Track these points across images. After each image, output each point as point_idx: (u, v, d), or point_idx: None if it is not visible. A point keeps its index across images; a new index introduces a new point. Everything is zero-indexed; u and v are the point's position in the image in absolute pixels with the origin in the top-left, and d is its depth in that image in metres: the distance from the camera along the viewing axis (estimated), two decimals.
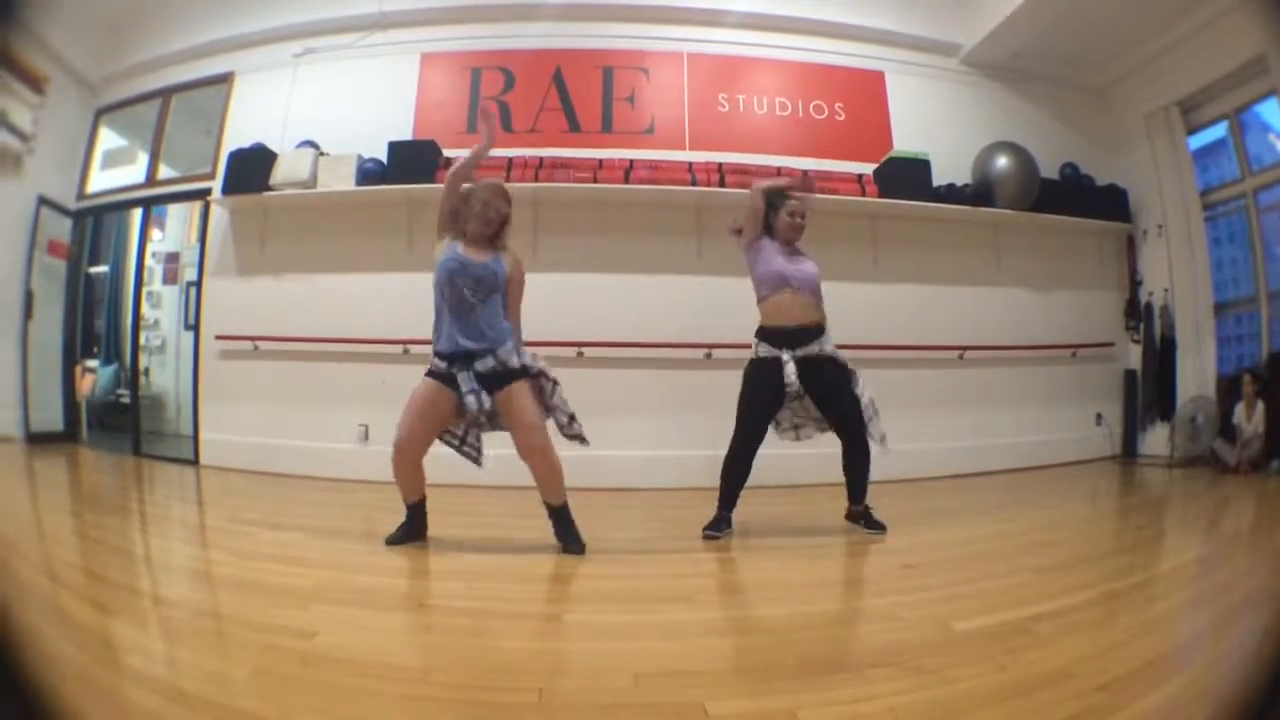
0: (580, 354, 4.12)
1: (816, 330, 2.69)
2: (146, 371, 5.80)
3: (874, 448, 2.73)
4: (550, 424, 2.43)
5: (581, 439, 2.44)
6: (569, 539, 2.38)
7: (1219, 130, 4.91)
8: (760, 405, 2.68)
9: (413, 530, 2.46)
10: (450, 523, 2.65)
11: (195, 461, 4.48)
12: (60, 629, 1.44)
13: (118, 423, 5.32)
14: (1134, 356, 5.06)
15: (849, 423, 2.68)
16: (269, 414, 4.37)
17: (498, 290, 2.41)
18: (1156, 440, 4.86)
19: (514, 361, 2.37)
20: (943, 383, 4.56)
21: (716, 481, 2.72)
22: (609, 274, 4.29)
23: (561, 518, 2.41)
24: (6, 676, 0.77)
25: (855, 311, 4.40)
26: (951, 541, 2.60)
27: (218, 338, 4.50)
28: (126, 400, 5.41)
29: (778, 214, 2.78)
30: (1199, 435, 4.53)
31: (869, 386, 2.73)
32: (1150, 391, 4.93)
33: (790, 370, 2.60)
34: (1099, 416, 4.97)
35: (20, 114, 4.51)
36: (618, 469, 3.96)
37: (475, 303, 2.37)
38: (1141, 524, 3.19)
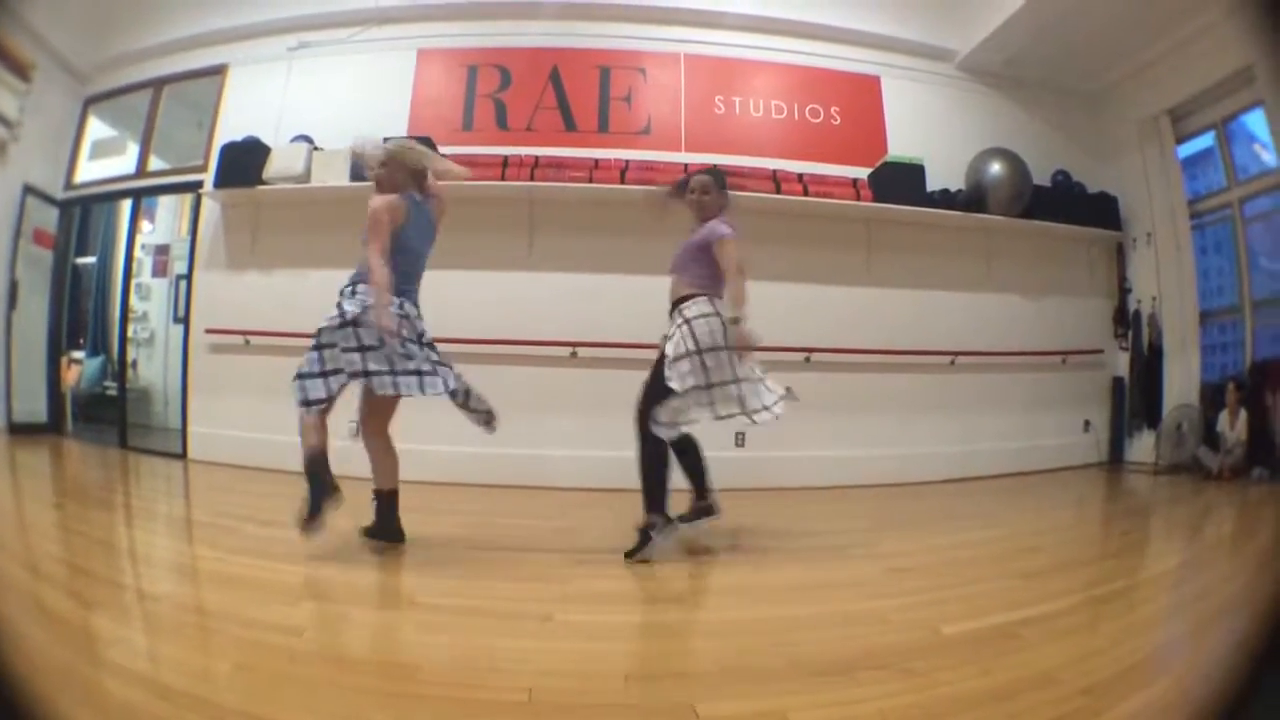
0: (574, 354, 4.12)
1: (676, 306, 2.63)
2: (134, 364, 5.74)
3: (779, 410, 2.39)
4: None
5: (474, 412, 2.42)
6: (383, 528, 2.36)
7: (1207, 139, 4.96)
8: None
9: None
10: (441, 520, 2.64)
11: (183, 455, 4.44)
12: (42, 622, 1.42)
13: (104, 415, 5.26)
14: (1122, 364, 5.11)
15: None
16: (259, 408, 4.32)
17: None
18: (1143, 447, 4.91)
19: (346, 307, 2.30)
20: (934, 387, 4.58)
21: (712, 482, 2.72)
22: (604, 274, 4.28)
23: (380, 505, 2.39)
24: None
25: (847, 315, 4.43)
26: (940, 546, 2.62)
27: (208, 331, 4.46)
28: (113, 392, 5.35)
29: None
30: (1184, 443, 4.58)
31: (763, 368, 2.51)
32: (1137, 399, 4.98)
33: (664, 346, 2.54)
34: (1087, 423, 5.01)
35: (5, 100, 4.44)
36: (612, 469, 3.94)
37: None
38: (1126, 530, 3.23)
